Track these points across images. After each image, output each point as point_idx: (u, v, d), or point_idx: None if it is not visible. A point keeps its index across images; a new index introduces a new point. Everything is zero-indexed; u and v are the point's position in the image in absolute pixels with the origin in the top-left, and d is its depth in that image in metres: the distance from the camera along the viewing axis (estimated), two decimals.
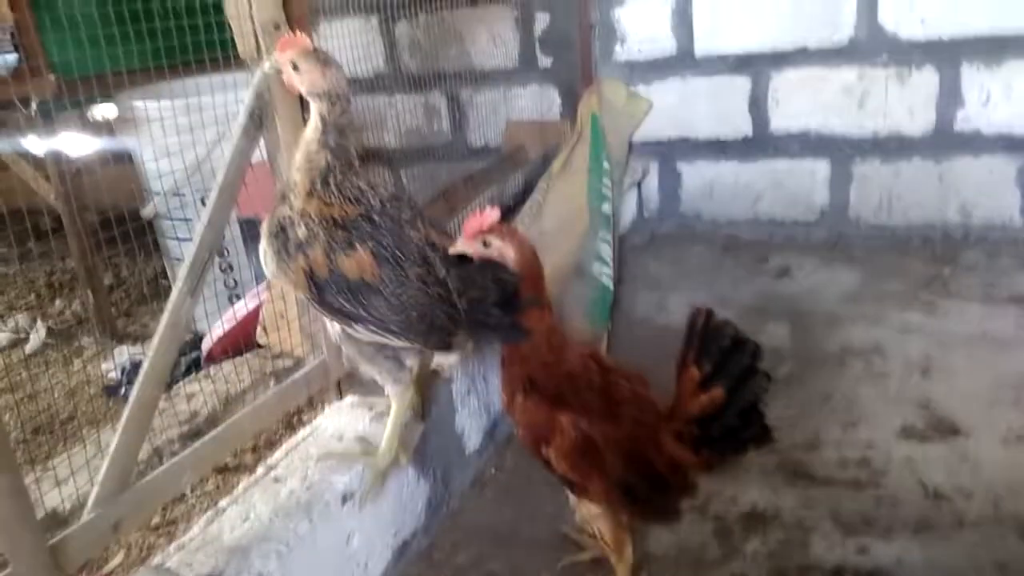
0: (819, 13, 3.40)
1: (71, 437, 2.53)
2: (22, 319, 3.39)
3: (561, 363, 1.59)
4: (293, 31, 1.67)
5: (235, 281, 3.08)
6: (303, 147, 1.63)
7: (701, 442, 1.59)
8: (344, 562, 1.68)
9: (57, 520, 1.37)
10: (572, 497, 1.72)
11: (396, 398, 1.78)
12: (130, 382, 2.73)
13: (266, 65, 1.64)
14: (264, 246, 1.67)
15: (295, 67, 1.59)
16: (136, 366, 2.79)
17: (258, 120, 1.69)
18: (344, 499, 1.65)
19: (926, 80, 3.35)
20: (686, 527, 1.95)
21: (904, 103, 3.41)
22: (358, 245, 1.61)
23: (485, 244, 1.53)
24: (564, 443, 1.55)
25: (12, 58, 2.78)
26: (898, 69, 3.37)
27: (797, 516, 1.98)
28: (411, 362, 1.82)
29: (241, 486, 1.65)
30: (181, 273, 1.57)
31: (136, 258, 3.62)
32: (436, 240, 1.69)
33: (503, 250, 1.52)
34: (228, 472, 1.85)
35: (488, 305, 1.55)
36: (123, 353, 2.98)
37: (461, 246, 1.56)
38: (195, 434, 1.85)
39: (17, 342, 3.25)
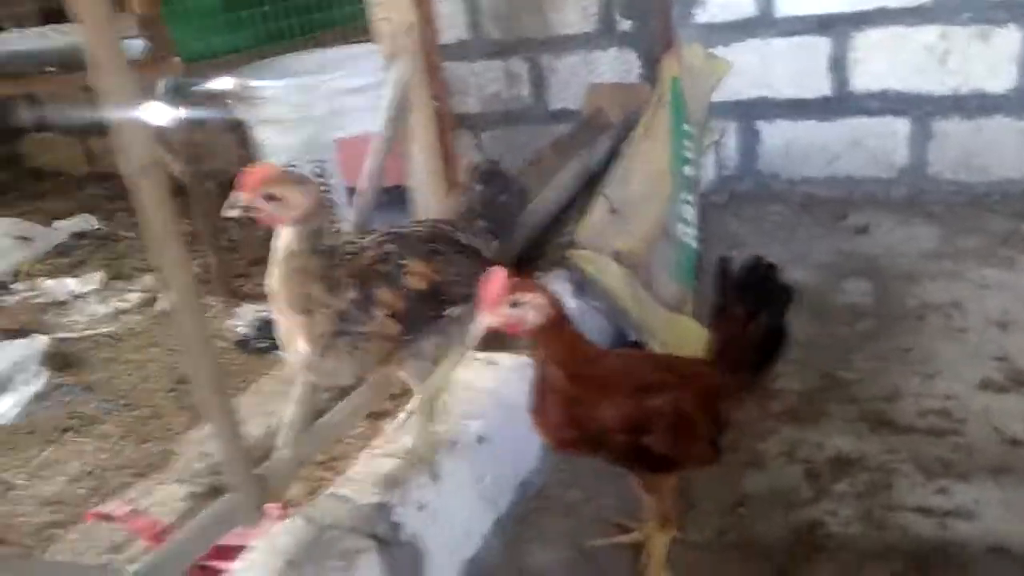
0: None
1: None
2: (149, 280, 3.72)
3: (601, 359, 1.69)
4: (425, 30, 1.86)
5: (332, 201, 3.26)
6: (285, 267, 1.55)
7: (757, 367, 1.77)
8: (478, 498, 1.93)
9: (257, 456, 1.63)
10: (638, 480, 1.79)
11: (421, 394, 1.81)
12: (260, 338, 3.04)
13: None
14: (335, 363, 1.63)
15: (272, 198, 1.50)
16: (264, 323, 3.09)
17: (399, 111, 1.89)
18: (479, 440, 1.90)
19: (1008, 38, 3.37)
20: (778, 470, 2.15)
21: (986, 61, 3.44)
22: (407, 260, 1.70)
23: (514, 305, 1.49)
24: (663, 423, 1.63)
25: (139, 44, 3.04)
26: (980, 27, 3.39)
27: (880, 461, 2.16)
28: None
29: (390, 428, 1.91)
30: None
31: (244, 227, 3.90)
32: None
33: (535, 302, 1.51)
34: (375, 417, 2.11)
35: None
36: (248, 311, 3.28)
37: (485, 321, 1.50)
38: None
39: (148, 301, 3.58)
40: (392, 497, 1.67)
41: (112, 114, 1.20)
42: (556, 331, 1.55)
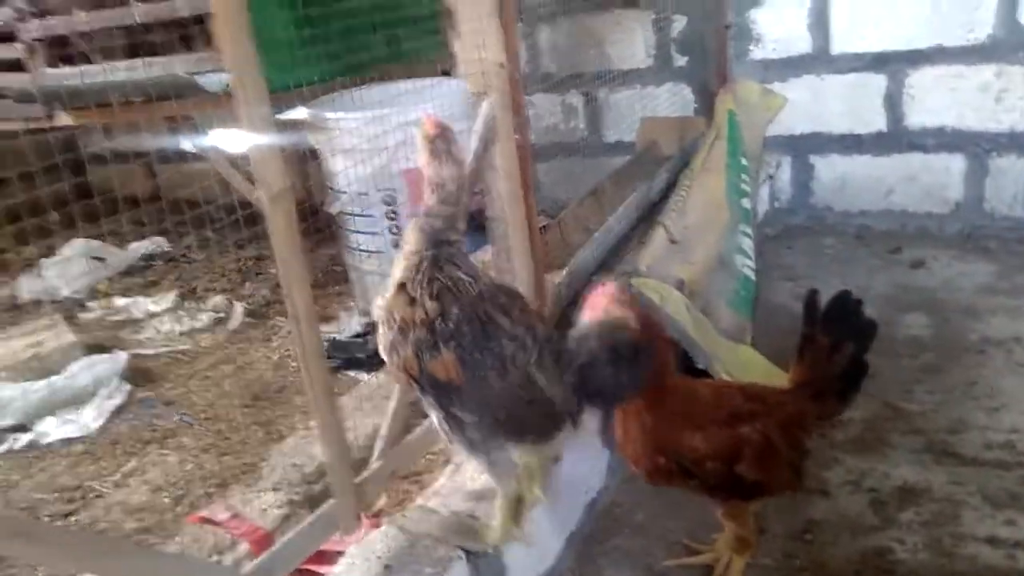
0: (957, 13, 3.50)
1: (286, 403, 2.97)
2: (220, 300, 3.87)
3: (688, 389, 1.77)
4: (512, 69, 1.98)
5: (399, 227, 3.38)
6: (408, 233, 1.69)
7: (840, 396, 1.83)
8: (552, 516, 2.00)
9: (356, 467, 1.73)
10: (723, 510, 1.85)
11: (502, 489, 1.75)
12: (330, 357, 3.16)
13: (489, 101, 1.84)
14: (379, 334, 1.68)
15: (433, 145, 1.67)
16: (333, 344, 3.22)
17: (485, 144, 2.00)
18: (555, 459, 1.97)
19: None
20: (844, 498, 2.20)
21: None
22: (442, 346, 1.59)
23: (614, 313, 1.61)
24: (753, 451, 1.69)
25: (226, 78, 3.20)
26: None
27: (947, 491, 2.19)
28: (522, 456, 1.74)
29: None
30: None
31: (312, 246, 4.06)
32: (534, 324, 1.67)
33: (628, 319, 1.60)
34: None
35: (602, 367, 1.55)
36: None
37: (587, 318, 1.62)
38: None
39: (219, 320, 3.73)
40: (478, 511, 1.75)
41: (252, 143, 1.31)
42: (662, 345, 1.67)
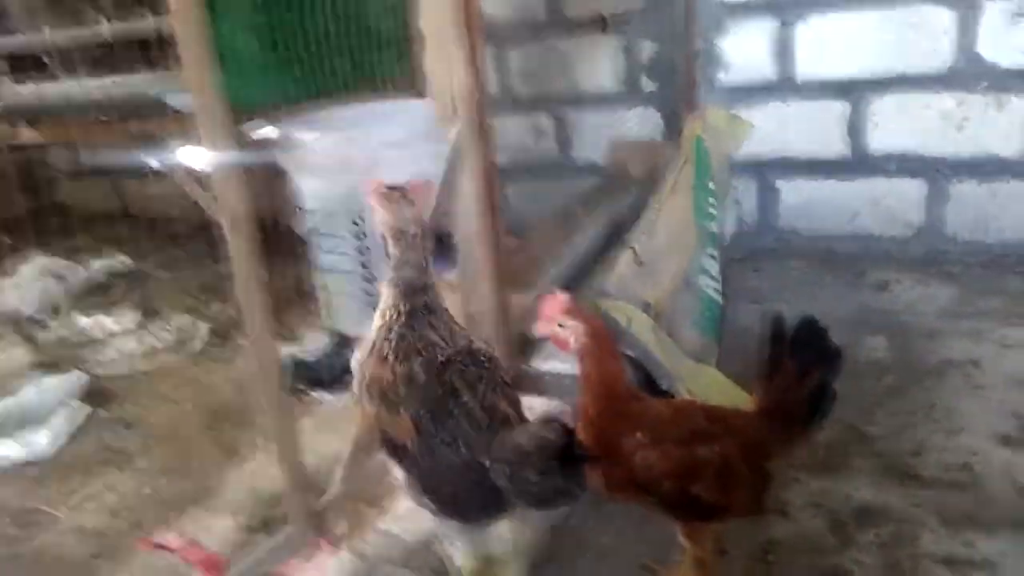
0: (918, 42, 3.58)
1: (248, 424, 2.92)
2: (184, 319, 3.82)
3: (652, 405, 1.78)
4: (480, 94, 1.99)
5: (367, 247, 3.38)
6: (382, 288, 1.70)
7: (805, 423, 1.82)
8: (514, 539, 1.98)
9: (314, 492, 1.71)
10: (681, 530, 1.84)
11: (457, 562, 1.71)
12: (294, 378, 3.12)
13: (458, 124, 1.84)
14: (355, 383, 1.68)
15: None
16: (298, 364, 3.18)
17: (453, 167, 2.01)
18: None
19: (1022, 106, 3.50)
20: (805, 519, 2.21)
21: (1001, 127, 3.56)
22: (402, 409, 1.58)
23: (561, 326, 1.68)
24: (710, 473, 1.69)
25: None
26: (996, 95, 3.52)
27: (906, 513, 2.20)
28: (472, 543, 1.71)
29: None
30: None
31: (278, 265, 4.02)
32: (497, 406, 1.64)
33: (576, 331, 1.67)
34: None
35: (531, 473, 1.52)
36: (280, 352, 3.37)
37: (539, 329, 1.70)
38: None
39: (182, 340, 3.67)
40: (437, 535, 1.73)
41: (214, 165, 1.30)
42: (595, 360, 1.68)
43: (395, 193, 1.69)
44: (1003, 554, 2.02)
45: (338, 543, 1.76)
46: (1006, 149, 3.59)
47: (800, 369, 1.79)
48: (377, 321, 1.68)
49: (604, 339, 1.71)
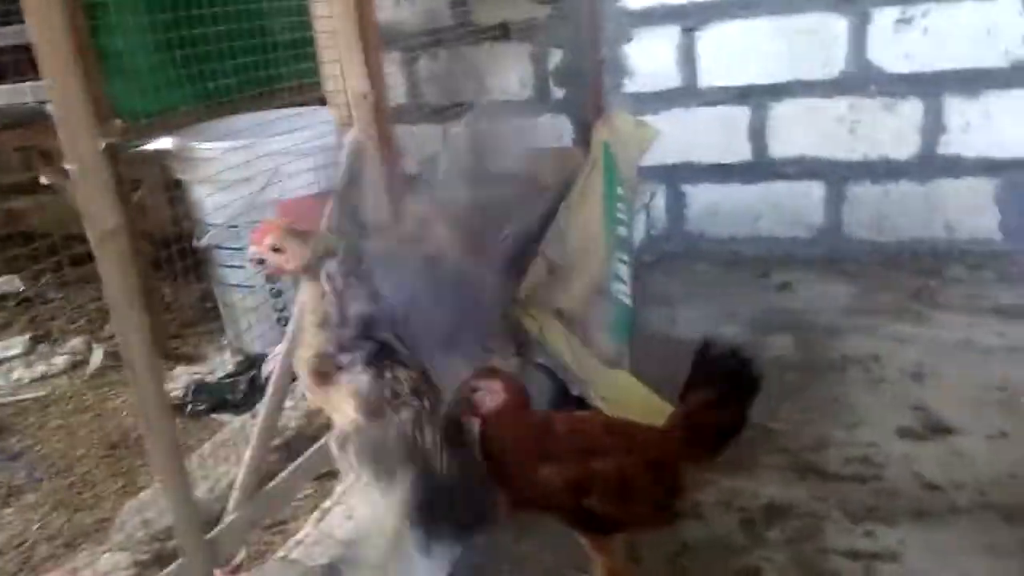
0: (813, 50, 3.71)
1: (145, 453, 2.78)
2: (78, 342, 3.62)
3: (550, 421, 1.77)
4: (378, 100, 1.94)
5: (283, 304, 3.34)
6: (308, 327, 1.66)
7: (714, 449, 1.84)
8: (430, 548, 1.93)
9: (206, 522, 1.62)
10: (586, 542, 1.83)
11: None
12: (196, 401, 2.99)
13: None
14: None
15: (277, 250, 1.62)
16: (199, 386, 3.05)
17: (350, 176, 1.95)
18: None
19: (912, 109, 3.66)
20: (716, 519, 2.23)
21: (892, 130, 3.72)
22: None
23: (474, 390, 1.65)
24: (604, 486, 1.69)
25: None
26: (885, 100, 3.68)
27: (810, 507, 2.26)
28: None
29: (339, 489, 1.91)
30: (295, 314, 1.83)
31: (180, 282, 3.87)
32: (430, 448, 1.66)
33: (491, 389, 1.65)
34: (323, 478, 2.11)
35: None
36: (182, 374, 3.23)
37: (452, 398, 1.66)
38: (287, 445, 2.11)
39: (76, 364, 3.48)
40: (342, 559, 1.67)
41: (79, 178, 1.22)
42: (511, 415, 1.65)
43: (297, 228, 1.66)
44: (904, 544, 2.09)
45: (236, 573, 1.68)
46: (897, 151, 3.75)
47: (718, 399, 1.79)
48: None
49: (519, 395, 1.68)
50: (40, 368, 3.43)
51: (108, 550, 1.83)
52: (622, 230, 3.58)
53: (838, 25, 3.65)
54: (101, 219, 1.24)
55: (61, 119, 1.22)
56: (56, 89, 1.21)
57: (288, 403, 2.37)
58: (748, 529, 2.20)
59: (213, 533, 1.54)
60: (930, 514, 2.18)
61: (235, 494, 1.61)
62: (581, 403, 2.63)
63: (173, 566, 1.47)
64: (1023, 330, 3.07)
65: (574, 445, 1.71)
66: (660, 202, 4.23)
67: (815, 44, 3.70)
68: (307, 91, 3.69)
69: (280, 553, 1.70)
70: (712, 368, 1.84)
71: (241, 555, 1.83)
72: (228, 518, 1.60)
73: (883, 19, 3.58)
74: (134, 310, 1.31)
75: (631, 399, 2.76)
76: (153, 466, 1.42)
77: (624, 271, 3.44)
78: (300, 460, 1.79)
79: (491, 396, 1.64)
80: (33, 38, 1.19)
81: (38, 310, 4.08)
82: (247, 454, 1.65)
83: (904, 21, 3.55)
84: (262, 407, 1.76)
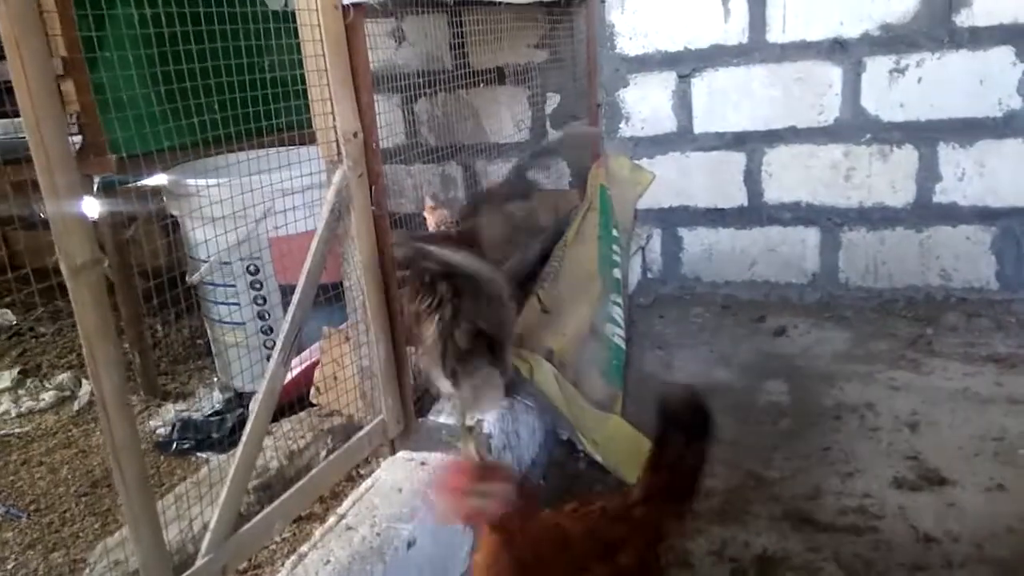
0: (808, 97, 3.75)
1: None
2: (66, 377, 3.58)
3: (563, 527, 1.62)
4: (367, 139, 1.94)
5: (273, 343, 3.31)
6: None
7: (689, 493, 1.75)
8: None
9: (179, 564, 1.57)
10: None
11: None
12: (181, 439, 2.95)
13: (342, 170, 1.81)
14: None
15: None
16: (184, 423, 3.01)
17: (338, 213, 1.94)
18: (409, 545, 1.87)
19: (906, 157, 3.68)
20: (706, 569, 2.17)
21: (886, 177, 3.73)
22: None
23: (484, 495, 1.41)
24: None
25: (77, 139, 3.03)
26: (880, 147, 3.70)
27: (804, 559, 2.20)
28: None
29: (318, 533, 1.87)
30: (277, 345, 1.81)
31: (172, 319, 3.85)
32: None
33: (505, 494, 1.43)
34: (301, 521, 2.06)
35: None
36: (169, 411, 3.19)
37: (449, 514, 1.44)
38: (267, 486, 2.06)
39: (63, 400, 3.44)
40: None
41: (54, 211, 1.21)
42: (522, 523, 1.48)
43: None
44: None
45: None
46: (892, 198, 3.76)
47: (686, 443, 1.70)
48: None
49: (530, 496, 1.52)
50: (27, 403, 3.39)
51: None
52: (617, 272, 3.57)
53: (832, 73, 3.69)
54: (75, 252, 1.23)
55: (36, 152, 1.21)
56: (30, 121, 1.20)
57: (267, 442, 2.33)
58: None
59: None
60: (926, 568, 2.12)
61: (208, 535, 1.57)
62: (571, 447, 2.59)
63: None
64: (1020, 379, 3.03)
65: (595, 547, 1.60)
66: (656, 245, 4.23)
67: (809, 91, 3.74)
68: (302, 129, 3.73)
69: None
70: (674, 421, 1.77)
71: None
72: (200, 561, 1.55)
73: (877, 68, 3.62)
74: (108, 344, 1.28)
75: (621, 443, 2.71)
76: (124, 506, 1.37)
77: (618, 313, 3.41)
78: (277, 502, 1.75)
79: (498, 502, 1.41)
80: (10, 69, 1.19)
81: (29, 343, 4.05)
82: (222, 494, 1.61)
83: (898, 71, 3.59)
84: (240, 446, 1.72)
